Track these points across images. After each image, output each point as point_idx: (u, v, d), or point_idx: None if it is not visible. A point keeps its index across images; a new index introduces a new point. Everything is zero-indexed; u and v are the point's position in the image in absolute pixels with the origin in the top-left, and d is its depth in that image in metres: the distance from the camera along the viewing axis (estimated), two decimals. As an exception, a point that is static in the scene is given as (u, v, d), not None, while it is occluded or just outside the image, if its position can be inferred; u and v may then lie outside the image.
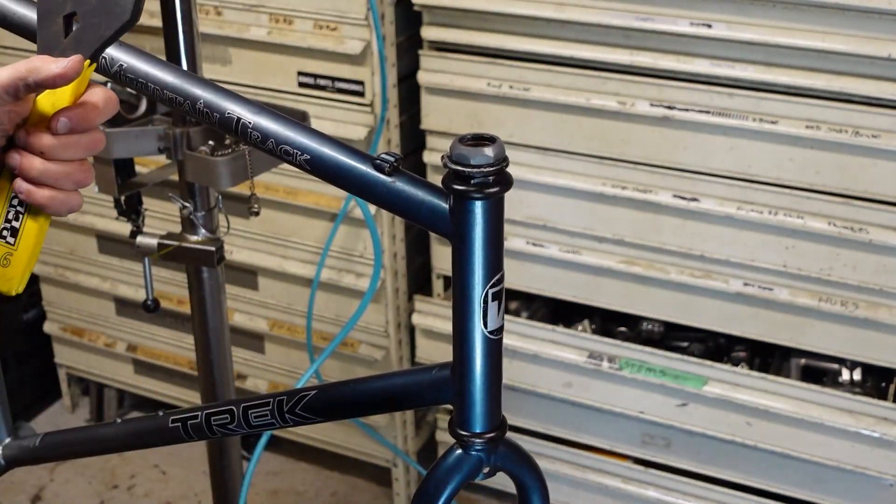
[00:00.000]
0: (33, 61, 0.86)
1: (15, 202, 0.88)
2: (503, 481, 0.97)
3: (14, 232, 0.88)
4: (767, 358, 2.10)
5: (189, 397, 2.58)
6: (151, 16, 2.11)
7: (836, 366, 2.03)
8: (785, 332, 1.96)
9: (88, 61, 0.87)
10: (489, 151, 0.84)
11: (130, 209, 1.57)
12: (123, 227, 1.77)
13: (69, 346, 2.70)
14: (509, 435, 0.94)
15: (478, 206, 0.84)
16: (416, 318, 2.22)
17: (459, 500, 2.42)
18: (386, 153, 0.90)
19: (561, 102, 1.93)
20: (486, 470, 0.94)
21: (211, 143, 1.50)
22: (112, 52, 0.98)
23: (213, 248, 1.52)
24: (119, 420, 1.32)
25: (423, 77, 2.03)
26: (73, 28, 0.89)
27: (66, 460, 2.57)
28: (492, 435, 0.91)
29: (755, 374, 1.99)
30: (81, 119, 0.87)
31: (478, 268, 0.86)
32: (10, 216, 0.89)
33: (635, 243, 1.99)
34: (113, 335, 2.61)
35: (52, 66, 0.86)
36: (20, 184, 0.87)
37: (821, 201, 1.83)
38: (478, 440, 0.91)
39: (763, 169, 1.85)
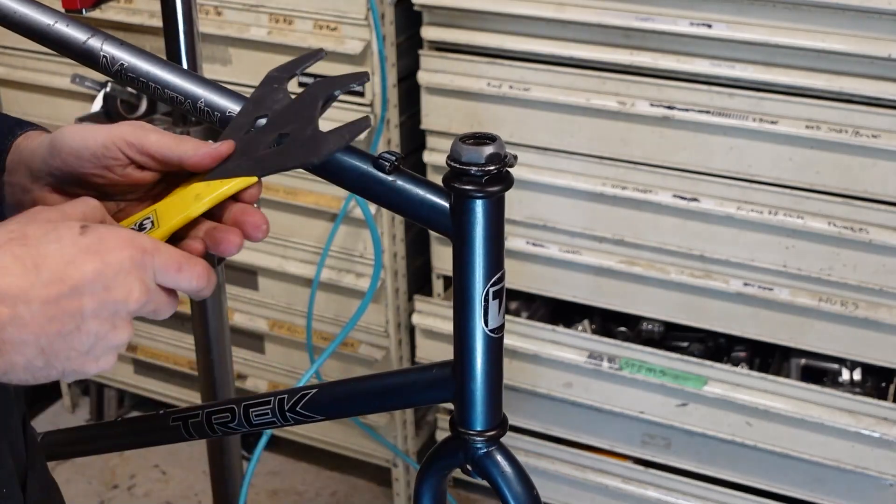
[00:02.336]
0: (164, 137, 0.83)
1: None
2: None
3: None
4: (767, 358, 2.10)
5: (189, 397, 2.58)
6: (151, 16, 2.12)
7: (836, 366, 2.03)
8: (785, 332, 1.96)
9: (255, 178, 0.83)
10: (490, 150, 0.84)
11: (131, 209, 1.57)
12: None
13: (69, 347, 2.70)
14: (512, 447, 0.94)
15: (478, 205, 0.84)
16: (416, 318, 2.22)
17: (459, 499, 2.43)
18: (387, 152, 0.90)
19: (561, 102, 1.93)
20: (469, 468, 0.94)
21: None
22: (113, 51, 0.99)
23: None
24: (119, 420, 1.32)
25: (423, 77, 2.03)
26: (261, 132, 0.85)
27: (66, 460, 2.57)
28: (493, 433, 0.91)
29: (755, 374, 1.99)
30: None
31: (478, 266, 0.86)
32: None
33: (635, 243, 1.99)
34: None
35: (187, 145, 0.82)
36: None
37: (821, 201, 1.83)
38: (478, 438, 0.91)
39: (763, 169, 1.85)
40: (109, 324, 0.72)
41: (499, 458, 0.92)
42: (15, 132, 0.86)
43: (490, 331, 0.87)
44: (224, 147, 0.83)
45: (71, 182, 0.84)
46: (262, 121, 0.88)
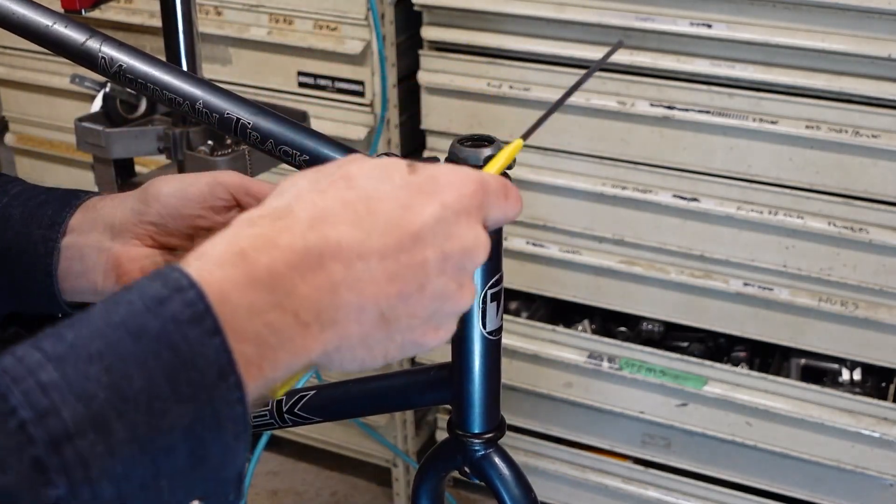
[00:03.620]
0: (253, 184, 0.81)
1: None
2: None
3: None
4: (767, 358, 2.10)
5: (189, 397, 2.58)
6: (151, 15, 2.12)
7: (835, 366, 2.03)
8: (785, 332, 1.96)
9: None
10: (487, 152, 0.84)
11: (130, 209, 1.57)
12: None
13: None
14: (512, 447, 0.94)
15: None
16: (417, 318, 2.22)
17: (459, 499, 2.42)
18: (386, 154, 0.90)
19: (561, 102, 1.93)
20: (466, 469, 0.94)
21: (210, 143, 1.51)
22: (111, 52, 0.98)
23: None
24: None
25: (423, 77, 2.03)
26: None
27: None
28: (491, 435, 0.91)
29: (755, 374, 1.98)
30: None
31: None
32: None
33: (635, 243, 1.99)
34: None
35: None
36: None
37: (821, 201, 1.83)
38: (476, 440, 0.91)
39: (763, 169, 1.85)
40: (455, 282, 0.62)
41: (496, 460, 0.92)
42: (71, 202, 0.84)
43: (488, 333, 0.87)
44: None
45: (168, 231, 0.82)
46: None
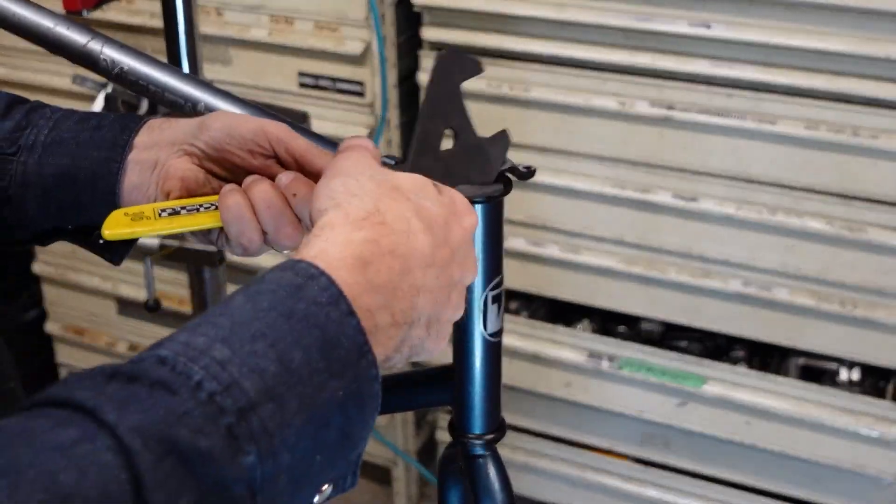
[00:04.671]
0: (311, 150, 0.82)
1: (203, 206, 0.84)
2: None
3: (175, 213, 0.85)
4: (766, 358, 2.10)
5: (190, 396, 2.58)
6: (152, 16, 2.12)
7: (834, 365, 2.03)
8: (784, 331, 1.96)
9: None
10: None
11: (131, 210, 1.57)
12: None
13: (70, 346, 2.71)
14: (512, 447, 0.94)
15: (477, 210, 0.85)
16: (417, 318, 2.22)
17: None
18: (386, 156, 0.90)
19: (561, 102, 1.93)
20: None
21: None
22: (113, 53, 0.99)
23: (214, 249, 1.53)
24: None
25: (423, 78, 2.03)
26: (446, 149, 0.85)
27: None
28: (491, 436, 0.92)
29: (754, 373, 1.99)
30: None
31: (477, 271, 0.86)
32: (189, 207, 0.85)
33: (635, 243, 2.00)
34: (114, 335, 2.62)
35: (330, 158, 0.80)
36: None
37: (820, 201, 1.83)
38: (477, 441, 0.92)
39: (762, 169, 1.85)
40: (460, 296, 0.70)
41: (489, 466, 0.92)
42: (130, 124, 0.88)
43: (489, 335, 0.88)
44: None
45: (210, 158, 0.86)
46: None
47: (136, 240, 0.90)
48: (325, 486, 0.62)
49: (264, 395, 0.56)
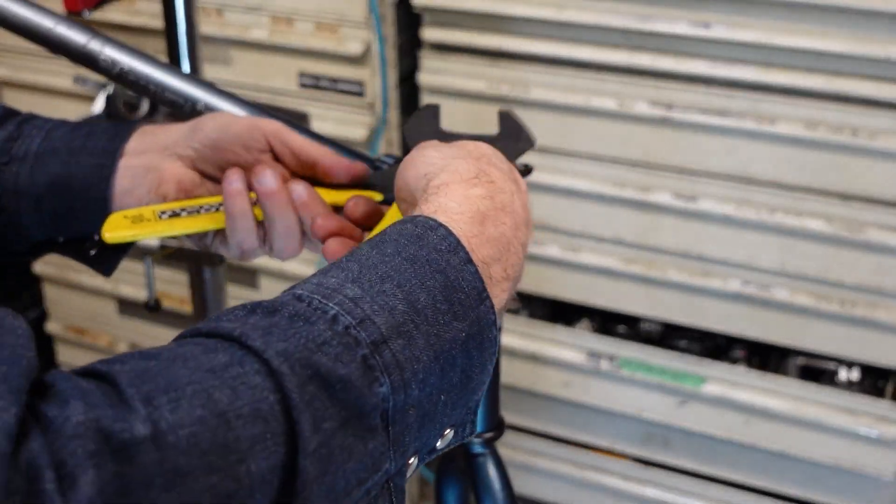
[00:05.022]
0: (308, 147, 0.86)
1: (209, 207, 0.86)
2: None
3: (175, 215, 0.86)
4: (766, 357, 2.11)
5: (190, 396, 2.58)
6: (153, 17, 2.12)
7: (833, 365, 2.03)
8: (783, 331, 1.96)
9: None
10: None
11: (132, 210, 1.57)
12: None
13: (71, 346, 2.71)
14: (511, 446, 0.95)
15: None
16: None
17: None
18: (386, 155, 0.91)
19: (561, 103, 1.94)
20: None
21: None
22: (113, 53, 0.99)
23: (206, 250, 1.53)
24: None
25: (423, 78, 2.03)
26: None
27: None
28: (490, 435, 0.92)
29: (753, 373, 1.99)
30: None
31: None
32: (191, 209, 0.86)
33: (635, 243, 2.00)
34: (115, 335, 2.62)
35: (327, 150, 0.86)
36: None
37: (819, 202, 1.84)
38: (476, 440, 0.92)
39: (761, 169, 1.86)
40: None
41: (489, 465, 0.92)
42: (122, 131, 0.90)
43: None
44: (360, 167, 0.87)
45: (205, 159, 0.87)
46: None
47: (126, 251, 0.91)
48: (448, 431, 0.64)
49: (394, 330, 0.59)
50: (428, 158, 0.72)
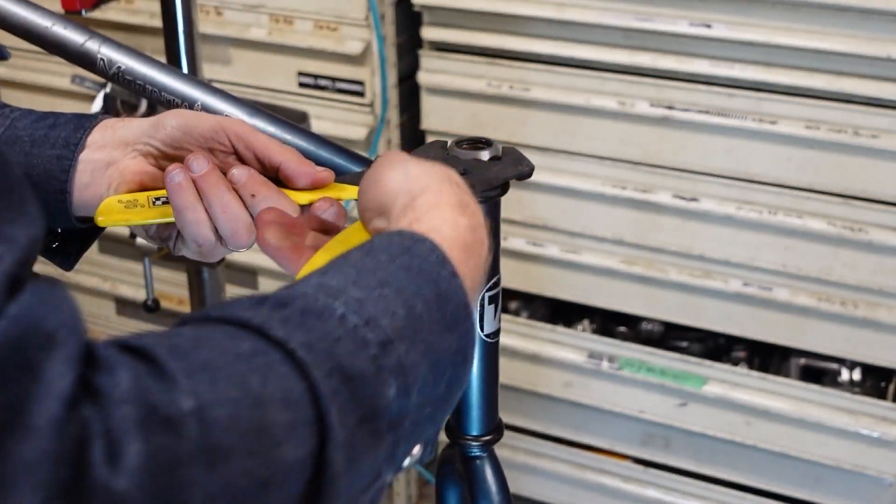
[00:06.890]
0: (284, 152, 0.84)
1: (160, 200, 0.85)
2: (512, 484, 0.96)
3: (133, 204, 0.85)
4: (767, 358, 2.10)
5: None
6: (152, 16, 2.12)
7: (835, 366, 2.03)
8: (784, 331, 1.96)
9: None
10: (484, 155, 0.84)
11: (130, 210, 1.57)
12: (124, 228, 1.77)
13: (70, 346, 2.70)
14: (512, 447, 0.94)
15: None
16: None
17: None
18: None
19: (561, 102, 1.93)
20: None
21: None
22: (110, 53, 0.99)
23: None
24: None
25: (423, 77, 2.03)
26: None
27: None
28: (488, 438, 0.91)
29: (755, 373, 1.99)
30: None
31: None
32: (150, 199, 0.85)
33: (635, 243, 1.99)
34: (113, 335, 2.61)
35: (291, 155, 0.84)
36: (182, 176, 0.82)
37: (820, 201, 1.83)
38: (474, 443, 0.91)
39: (762, 169, 1.85)
40: None
41: (486, 468, 0.92)
42: (85, 123, 0.88)
43: (486, 336, 0.87)
44: (325, 173, 0.85)
45: (167, 157, 0.86)
46: None
47: (88, 246, 0.90)
48: (417, 448, 0.63)
49: (398, 334, 0.59)
50: (410, 171, 0.70)
